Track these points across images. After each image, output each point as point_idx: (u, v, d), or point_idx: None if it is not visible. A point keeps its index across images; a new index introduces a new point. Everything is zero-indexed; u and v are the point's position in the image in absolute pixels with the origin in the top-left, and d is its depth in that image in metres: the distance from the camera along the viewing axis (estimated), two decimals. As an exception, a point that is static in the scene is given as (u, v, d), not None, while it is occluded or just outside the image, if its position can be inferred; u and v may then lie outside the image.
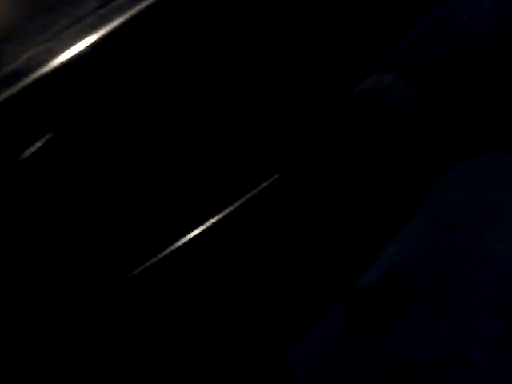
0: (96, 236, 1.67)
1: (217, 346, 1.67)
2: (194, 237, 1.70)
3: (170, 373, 1.64)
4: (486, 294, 1.77)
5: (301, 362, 1.76)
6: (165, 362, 1.66)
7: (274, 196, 1.74)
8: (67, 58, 1.54)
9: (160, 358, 1.66)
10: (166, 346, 1.66)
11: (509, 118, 1.73)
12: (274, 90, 1.83)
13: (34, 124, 1.55)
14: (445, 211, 1.88)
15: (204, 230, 1.70)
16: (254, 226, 1.72)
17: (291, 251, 1.73)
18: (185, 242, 1.69)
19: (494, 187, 1.87)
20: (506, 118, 1.73)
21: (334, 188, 1.72)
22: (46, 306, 1.60)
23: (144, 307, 1.65)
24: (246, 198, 1.71)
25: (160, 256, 1.66)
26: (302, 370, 1.75)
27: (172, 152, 1.73)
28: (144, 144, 1.69)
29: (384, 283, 1.83)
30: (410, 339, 1.75)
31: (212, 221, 1.70)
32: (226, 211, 1.70)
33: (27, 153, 1.52)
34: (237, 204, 1.70)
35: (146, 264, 1.64)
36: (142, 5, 1.57)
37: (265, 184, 1.72)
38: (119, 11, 1.56)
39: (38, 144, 1.53)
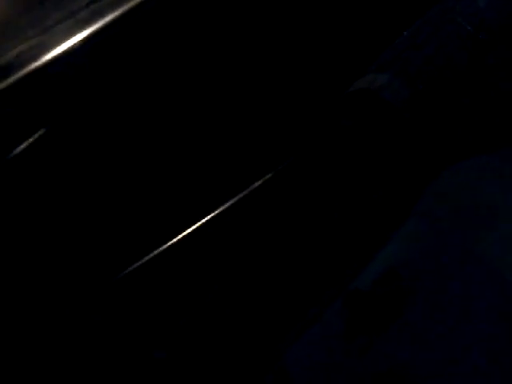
0: (91, 233, 1.65)
1: (213, 346, 1.66)
2: (194, 237, 1.69)
3: (166, 372, 1.63)
4: (484, 295, 1.76)
5: (298, 363, 1.75)
6: (162, 362, 1.65)
7: (271, 196, 1.73)
8: (59, 53, 1.52)
9: (157, 357, 1.65)
10: (164, 345, 1.65)
11: (506, 119, 1.73)
12: (267, 89, 1.82)
13: (26, 120, 1.53)
14: (441, 213, 1.88)
15: (203, 231, 1.69)
16: (252, 226, 1.71)
17: (288, 252, 1.72)
18: (183, 242, 1.68)
19: (490, 189, 1.87)
20: (503, 118, 1.73)
21: (328, 188, 1.71)
22: (41, 304, 1.59)
23: (140, 305, 1.64)
24: (243, 197, 1.70)
25: (158, 255, 1.64)
26: (300, 370, 1.74)
27: (166, 147, 1.72)
28: (138, 139, 1.68)
29: (379, 285, 1.82)
30: (406, 340, 1.75)
31: (210, 221, 1.69)
32: (223, 212, 1.69)
33: (19, 149, 1.51)
34: (232, 204, 1.69)
35: (142, 261, 1.62)
36: (135, 0, 1.56)
37: (263, 184, 1.72)
38: (112, 6, 1.55)
39: (30, 140, 1.51)
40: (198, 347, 1.65)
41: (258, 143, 1.80)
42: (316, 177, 1.72)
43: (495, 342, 1.70)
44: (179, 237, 1.67)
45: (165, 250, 1.65)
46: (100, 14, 1.54)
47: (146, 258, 1.64)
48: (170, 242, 1.66)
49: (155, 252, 1.64)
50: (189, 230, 1.67)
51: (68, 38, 1.53)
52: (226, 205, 1.68)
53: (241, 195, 1.70)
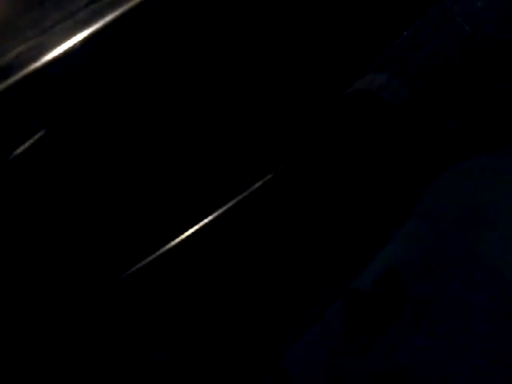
0: (91, 234, 1.65)
1: (213, 346, 1.66)
2: (193, 238, 1.68)
3: (166, 372, 1.63)
4: (484, 295, 1.76)
5: (298, 363, 1.75)
6: (162, 362, 1.65)
7: (272, 197, 1.73)
8: (58, 54, 1.52)
9: (157, 358, 1.65)
10: (164, 345, 1.65)
11: (506, 119, 1.73)
12: (266, 90, 1.82)
13: (26, 121, 1.53)
14: (441, 213, 1.88)
15: (204, 231, 1.69)
16: (252, 226, 1.71)
17: (288, 253, 1.72)
18: (183, 243, 1.68)
19: (490, 189, 1.87)
20: (503, 118, 1.73)
21: (329, 188, 1.71)
22: (41, 305, 1.59)
23: (141, 306, 1.64)
24: (244, 198, 1.70)
25: (159, 256, 1.64)
26: (300, 370, 1.75)
27: (167, 148, 1.72)
28: (138, 140, 1.68)
29: (379, 285, 1.82)
30: (406, 340, 1.75)
31: (210, 223, 1.69)
32: (222, 213, 1.69)
33: (19, 151, 1.51)
34: (232, 205, 1.69)
35: (143, 262, 1.62)
36: (134, 1, 1.56)
37: (263, 185, 1.71)
38: (111, 6, 1.54)
39: (30, 142, 1.51)
40: (198, 347, 1.64)
41: (258, 144, 1.80)
42: (316, 177, 1.72)
43: (495, 342, 1.70)
44: (180, 238, 1.67)
45: (165, 250, 1.65)
46: (99, 15, 1.53)
47: (147, 259, 1.64)
48: (171, 243, 1.66)
49: (156, 253, 1.64)
50: (190, 231, 1.67)
51: (67, 39, 1.53)
52: (227, 205, 1.68)
53: (241, 196, 1.70)
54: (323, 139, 1.72)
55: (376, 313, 1.79)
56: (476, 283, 1.81)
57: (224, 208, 1.70)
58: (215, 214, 1.69)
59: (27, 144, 1.51)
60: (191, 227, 1.69)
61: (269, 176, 1.73)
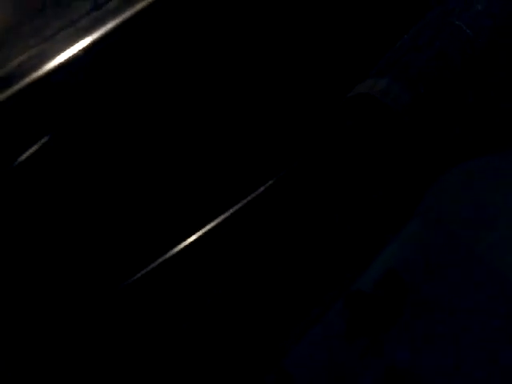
0: (94, 241, 1.66)
1: (214, 347, 1.67)
2: (193, 240, 1.69)
3: (167, 375, 1.64)
4: (484, 295, 1.77)
5: (300, 363, 1.76)
6: (163, 365, 1.65)
7: (272, 199, 1.74)
8: (60, 62, 1.52)
9: (158, 360, 1.66)
10: (164, 347, 1.66)
11: (506, 120, 1.73)
12: (265, 95, 1.83)
13: (28, 130, 1.53)
14: (442, 214, 1.88)
15: (202, 234, 1.69)
16: (252, 229, 1.71)
17: (290, 254, 1.73)
18: (183, 247, 1.69)
19: (491, 190, 1.88)
20: (503, 119, 1.73)
21: (329, 191, 1.72)
22: (44, 313, 1.60)
23: (143, 312, 1.65)
24: (245, 201, 1.70)
25: (161, 261, 1.65)
26: (301, 370, 1.76)
27: (170, 155, 1.72)
28: (140, 147, 1.68)
29: (380, 286, 1.83)
30: (407, 341, 1.76)
31: (209, 225, 1.69)
32: (223, 216, 1.69)
33: (21, 158, 1.51)
34: (234, 209, 1.69)
35: (145, 270, 1.63)
36: (136, 8, 1.55)
37: (262, 187, 1.72)
38: (113, 14, 1.54)
39: (32, 150, 1.51)
40: (198, 347, 1.65)
41: (260, 148, 1.81)
42: (318, 180, 1.73)
43: (496, 342, 1.71)
44: (183, 243, 1.68)
45: (168, 254, 1.65)
46: (101, 22, 1.53)
47: (150, 264, 1.65)
48: (174, 248, 1.66)
49: (159, 258, 1.65)
50: (193, 237, 1.67)
51: (69, 47, 1.52)
52: (230, 211, 1.68)
53: (244, 199, 1.70)
54: (323, 142, 1.72)
55: (377, 314, 1.80)
56: (476, 283, 1.81)
57: (225, 213, 1.71)
58: (214, 219, 1.70)
59: (30, 152, 1.52)
60: (191, 232, 1.70)
61: (270, 179, 1.74)
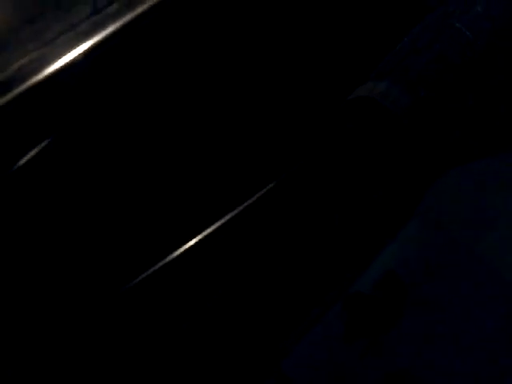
0: (95, 244, 1.66)
1: (214, 350, 1.67)
2: (193, 243, 1.69)
3: (168, 377, 1.64)
4: (484, 296, 1.77)
5: (299, 365, 1.76)
6: (163, 367, 1.65)
7: (273, 201, 1.74)
8: (61, 66, 1.52)
9: (158, 362, 1.66)
10: (165, 349, 1.66)
11: (506, 122, 1.73)
12: (266, 99, 1.83)
13: (29, 133, 1.53)
14: (440, 215, 1.88)
15: (202, 237, 1.69)
16: (253, 231, 1.71)
17: (291, 256, 1.73)
18: (183, 250, 1.69)
19: (490, 192, 1.88)
20: (502, 122, 1.73)
21: (329, 194, 1.72)
22: (46, 316, 1.60)
23: (144, 315, 1.65)
24: (247, 203, 1.70)
25: (163, 264, 1.65)
26: (301, 372, 1.76)
27: (171, 158, 1.72)
28: (141, 151, 1.68)
29: (379, 288, 1.83)
30: (407, 342, 1.76)
31: (211, 228, 1.69)
32: (224, 218, 1.69)
33: (22, 161, 1.51)
34: (236, 211, 1.69)
35: (147, 273, 1.63)
36: (136, 12, 1.55)
37: (263, 189, 1.72)
38: (113, 18, 1.54)
39: (33, 152, 1.51)
40: (199, 349, 1.65)
41: (262, 150, 1.81)
42: (318, 181, 1.73)
43: (496, 342, 1.72)
44: (183, 247, 1.68)
45: (168, 258, 1.66)
46: (101, 26, 1.53)
47: (151, 266, 1.65)
48: (174, 251, 1.66)
49: (160, 260, 1.65)
50: (193, 240, 1.67)
51: (69, 51, 1.52)
52: (231, 213, 1.68)
53: (245, 201, 1.70)
54: (324, 144, 1.72)
55: (376, 315, 1.80)
56: (476, 284, 1.82)
57: (226, 216, 1.71)
58: (216, 222, 1.70)
59: (30, 156, 1.52)
60: (191, 236, 1.70)
61: (271, 181, 1.74)
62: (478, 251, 1.81)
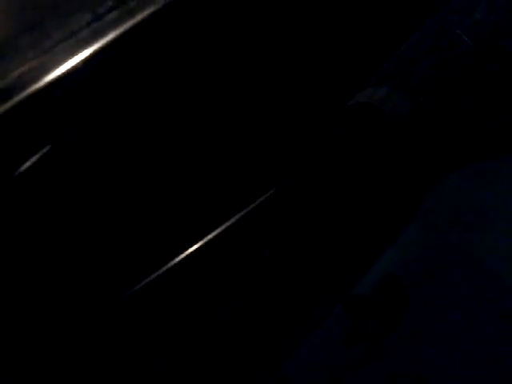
0: (98, 249, 1.66)
1: (215, 351, 1.67)
2: (194, 250, 1.70)
3: (167, 381, 1.65)
4: (484, 298, 1.78)
5: (299, 369, 1.77)
6: (162, 371, 1.66)
7: (273, 207, 1.74)
8: (61, 73, 1.52)
9: (159, 365, 1.67)
10: (164, 354, 1.67)
11: (505, 125, 1.74)
12: (266, 105, 1.83)
13: (29, 140, 1.53)
14: (440, 217, 1.89)
15: (203, 243, 1.70)
16: (254, 237, 1.72)
17: (290, 260, 1.73)
18: (184, 257, 1.69)
19: (490, 193, 1.89)
20: (502, 124, 1.74)
21: (330, 199, 1.72)
22: (46, 323, 1.60)
23: (147, 320, 1.66)
24: (248, 208, 1.71)
25: (165, 270, 1.65)
26: (301, 376, 1.77)
27: (172, 166, 1.73)
28: (142, 159, 1.69)
29: (379, 291, 1.84)
30: (407, 345, 1.77)
31: (211, 234, 1.70)
32: (225, 224, 1.70)
33: (21, 169, 1.51)
34: (236, 217, 1.70)
35: (149, 279, 1.64)
36: (137, 18, 1.55)
37: (264, 195, 1.72)
38: (113, 25, 1.54)
39: (32, 160, 1.51)
40: (200, 351, 1.66)
41: (262, 157, 1.81)
42: (318, 187, 1.73)
43: (496, 344, 1.73)
44: (183, 253, 1.68)
45: (168, 264, 1.66)
46: (102, 33, 1.53)
47: (155, 271, 1.65)
48: (175, 258, 1.67)
49: (163, 266, 1.65)
50: (193, 248, 1.68)
51: (69, 58, 1.52)
52: (232, 219, 1.69)
53: (246, 207, 1.71)
54: (324, 151, 1.73)
55: (376, 318, 1.81)
56: (476, 287, 1.83)
57: (230, 218, 1.71)
58: (217, 228, 1.70)
59: (31, 163, 1.52)
60: (191, 244, 1.71)
61: (272, 189, 1.74)
62: (479, 254, 1.82)
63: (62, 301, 1.62)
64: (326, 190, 1.73)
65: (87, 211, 1.64)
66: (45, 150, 1.52)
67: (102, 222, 1.66)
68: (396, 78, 1.64)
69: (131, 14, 1.55)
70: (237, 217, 1.71)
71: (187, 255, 1.69)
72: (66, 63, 1.52)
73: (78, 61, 1.52)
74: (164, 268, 1.67)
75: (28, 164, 1.51)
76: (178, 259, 1.69)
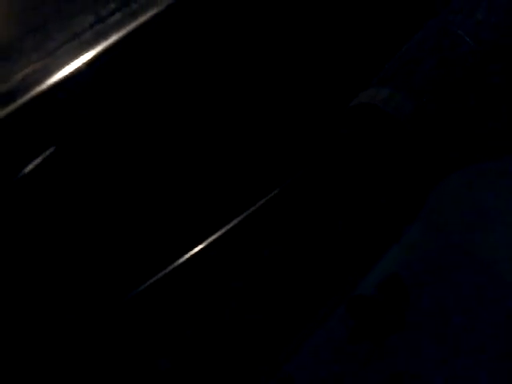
0: (100, 251, 1.66)
1: (218, 351, 1.68)
2: (196, 252, 1.70)
3: (170, 382, 1.65)
4: (487, 298, 1.78)
5: (303, 368, 1.77)
6: (166, 372, 1.66)
7: (277, 208, 1.74)
8: (64, 75, 1.52)
9: (164, 367, 1.67)
10: (168, 354, 1.67)
11: (507, 125, 1.74)
12: (269, 107, 1.83)
13: (33, 142, 1.53)
14: (442, 217, 1.89)
15: (206, 245, 1.70)
16: (257, 238, 1.72)
17: (293, 261, 1.74)
18: (186, 259, 1.69)
19: (492, 194, 1.89)
20: (503, 125, 1.74)
21: (333, 200, 1.72)
22: (48, 325, 1.60)
23: (149, 322, 1.66)
24: (250, 210, 1.71)
25: (167, 272, 1.65)
26: (304, 376, 1.76)
27: (174, 169, 1.73)
28: (144, 162, 1.69)
29: (382, 291, 1.84)
30: (410, 346, 1.77)
31: (213, 236, 1.70)
32: (228, 225, 1.70)
33: (24, 171, 1.51)
34: (239, 218, 1.70)
35: (150, 281, 1.64)
36: (140, 21, 1.55)
37: (267, 196, 1.72)
38: (116, 27, 1.54)
39: (36, 163, 1.52)
40: (200, 353, 1.66)
41: (265, 158, 1.81)
42: (321, 188, 1.74)
43: (498, 344, 1.73)
44: (185, 255, 1.68)
45: (171, 266, 1.66)
46: (105, 36, 1.53)
47: (158, 272, 1.66)
48: (176, 260, 1.67)
49: (166, 268, 1.65)
50: (195, 249, 1.68)
51: (73, 60, 1.52)
52: (234, 217, 1.69)
53: (248, 208, 1.71)
54: (327, 152, 1.73)
55: (379, 318, 1.81)
56: (478, 286, 1.83)
57: (232, 219, 1.71)
58: (224, 224, 1.70)
59: (34, 165, 1.52)
60: (199, 240, 1.70)
61: (275, 190, 1.74)
62: (480, 254, 1.82)
63: (66, 302, 1.62)
64: (329, 191, 1.73)
65: (91, 213, 1.64)
66: (49, 152, 1.52)
67: (106, 223, 1.66)
68: (398, 79, 1.65)
69: (134, 16, 1.55)
70: (241, 217, 1.71)
71: (190, 256, 1.69)
72: (70, 65, 1.52)
73: (81, 63, 1.52)
74: (167, 269, 1.67)
75: (32, 165, 1.51)
76: (180, 261, 1.69)
